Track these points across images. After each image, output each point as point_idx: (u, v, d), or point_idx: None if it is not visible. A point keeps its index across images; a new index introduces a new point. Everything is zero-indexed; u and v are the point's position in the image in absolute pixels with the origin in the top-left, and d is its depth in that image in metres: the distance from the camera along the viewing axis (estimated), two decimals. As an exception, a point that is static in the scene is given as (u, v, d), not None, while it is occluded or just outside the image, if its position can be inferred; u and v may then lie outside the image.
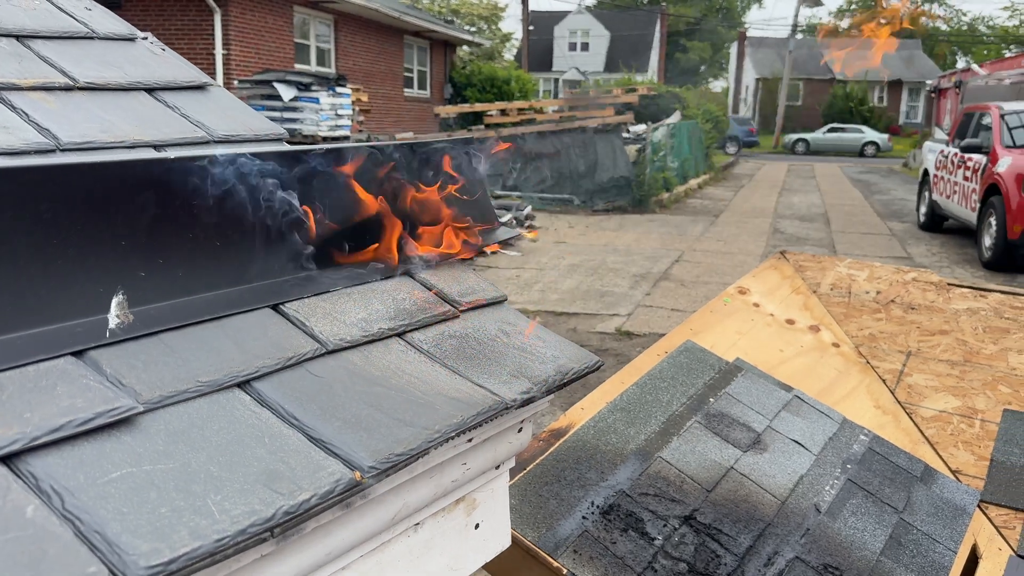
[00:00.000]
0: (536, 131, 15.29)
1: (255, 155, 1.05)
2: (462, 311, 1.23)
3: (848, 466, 2.72)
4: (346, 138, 13.66)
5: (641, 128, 15.82)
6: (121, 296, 0.92)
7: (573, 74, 45.18)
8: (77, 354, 0.85)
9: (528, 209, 12.60)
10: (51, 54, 1.43)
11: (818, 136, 36.76)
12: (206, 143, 1.36)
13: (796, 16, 41.49)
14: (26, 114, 1.23)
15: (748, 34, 48.90)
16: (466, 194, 1.38)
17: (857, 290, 3.60)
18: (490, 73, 27.81)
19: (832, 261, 3.78)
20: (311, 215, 1.12)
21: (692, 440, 2.62)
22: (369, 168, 1.20)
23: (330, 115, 13.21)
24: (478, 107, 18.88)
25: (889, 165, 28.01)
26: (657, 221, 13.16)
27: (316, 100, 13.02)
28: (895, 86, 44.59)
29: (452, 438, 0.96)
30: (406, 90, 23.64)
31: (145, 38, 1.64)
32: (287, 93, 12.76)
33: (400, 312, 1.16)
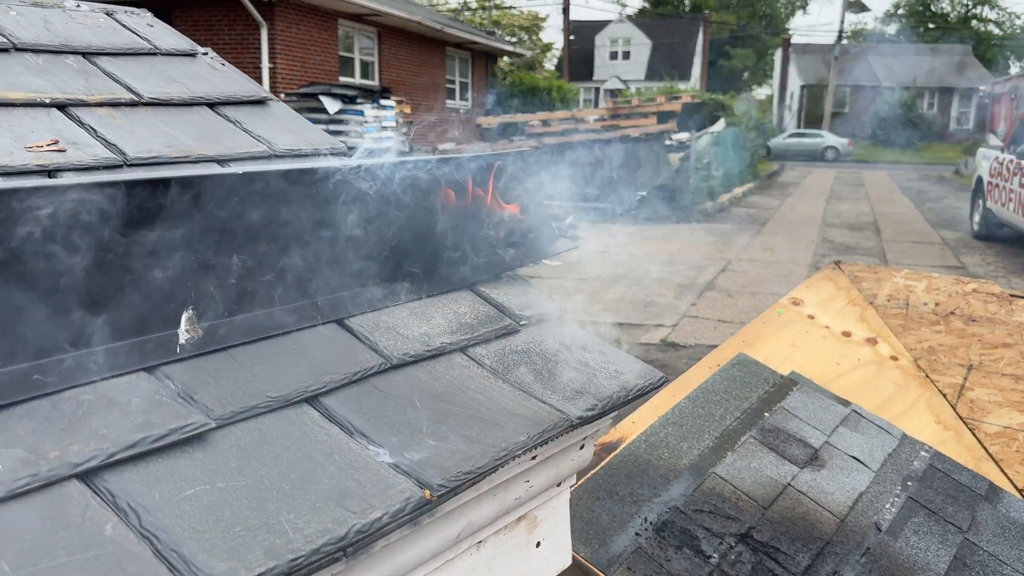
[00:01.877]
0: (578, 140, 15.26)
1: (313, 170, 1.05)
2: (523, 325, 1.22)
3: (909, 483, 2.64)
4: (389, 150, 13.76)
5: (684, 136, 15.69)
6: (191, 311, 0.92)
7: (614, 83, 45.07)
8: (149, 370, 0.86)
9: (570, 219, 12.54)
10: (116, 70, 1.46)
11: (778, 141, 36.90)
12: (268, 157, 1.37)
13: (842, 22, 40.81)
14: (94, 130, 1.25)
15: (793, 40, 48.26)
16: (524, 205, 1.37)
17: (915, 301, 3.51)
18: (531, 83, 27.90)
19: (889, 272, 3.70)
20: (374, 228, 1.12)
21: (747, 456, 2.57)
22: (431, 181, 1.19)
23: (374, 127, 13.35)
24: (519, 117, 18.92)
25: (939, 172, 27.38)
26: (701, 230, 13.03)
27: (361, 112, 13.17)
28: (946, 92, 43.60)
29: (518, 456, 0.94)
30: (448, 101, 23.80)
31: (205, 53, 1.66)
32: (332, 106, 12.93)
33: (462, 326, 1.15)
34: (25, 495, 0.67)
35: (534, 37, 53.67)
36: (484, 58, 26.41)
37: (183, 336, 0.91)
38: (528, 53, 38.13)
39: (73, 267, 0.80)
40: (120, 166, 1.20)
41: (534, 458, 1.05)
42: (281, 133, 1.46)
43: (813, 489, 2.51)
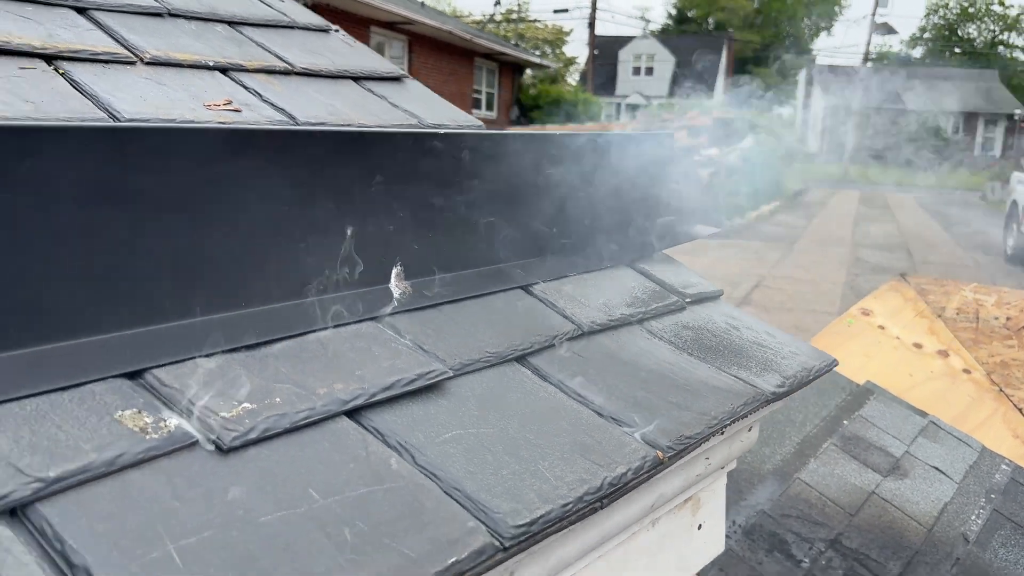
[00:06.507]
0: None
1: (534, 138, 1.05)
2: (687, 303, 1.21)
3: (992, 496, 2.60)
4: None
5: (714, 151, 15.66)
6: (399, 267, 0.92)
7: (636, 98, 45.10)
8: (376, 319, 0.85)
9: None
10: (263, 40, 1.46)
11: None
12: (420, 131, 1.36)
13: (868, 44, 40.71)
14: (259, 94, 1.25)
15: (818, 61, 48.20)
16: (678, 187, 1.36)
17: (985, 315, 3.47)
18: (557, 95, 27.99)
19: (956, 285, 3.66)
20: (554, 199, 1.11)
21: (830, 463, 2.54)
22: (603, 156, 1.19)
23: (407, 132, 13.39)
24: (547, 128, 18.96)
25: (966, 197, 27.20)
26: (731, 247, 12.98)
27: (394, 117, 13.21)
28: (971, 118, 43.33)
29: (727, 426, 0.93)
30: (475, 111, 23.89)
31: (336, 30, 1.67)
32: (366, 110, 12.97)
33: (635, 300, 1.14)
34: (306, 428, 0.66)
35: (557, 51, 53.81)
36: (511, 70, 26.50)
37: (395, 291, 0.90)
38: (554, 66, 38.26)
39: (321, 216, 0.80)
40: (290, 129, 1.19)
41: (722, 433, 1.04)
42: (425, 108, 1.46)
43: (898, 498, 2.47)
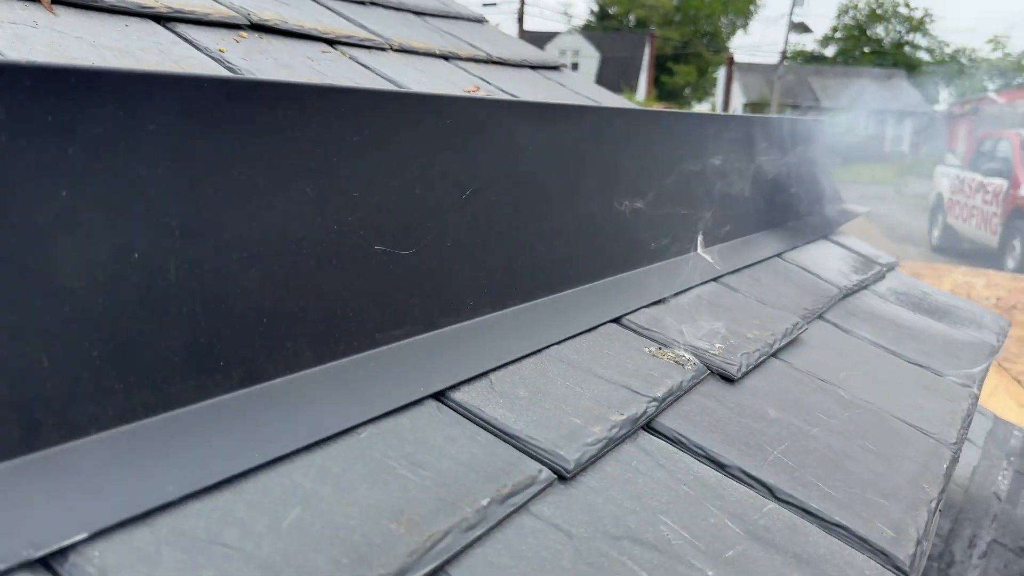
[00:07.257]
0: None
1: (800, 121, 1.16)
2: (886, 272, 1.35)
3: (1012, 459, 2.85)
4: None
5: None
6: (701, 236, 1.02)
7: (563, 94, 45.44)
8: (716, 280, 0.96)
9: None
10: (446, 28, 1.53)
11: None
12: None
13: (786, 43, 42.15)
14: (484, 80, 1.33)
15: (737, 59, 49.57)
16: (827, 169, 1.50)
17: (976, 296, 3.76)
18: (491, 89, 28.07)
19: (948, 268, 3.95)
20: (783, 177, 1.23)
21: (873, 428, 2.74)
22: (803, 141, 1.31)
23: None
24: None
25: (879, 191, 28.51)
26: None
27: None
28: (880, 114, 45.40)
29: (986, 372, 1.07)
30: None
31: (486, 21, 1.75)
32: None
33: (854, 268, 1.27)
34: (762, 364, 0.77)
35: (484, 44, 53.60)
36: (446, 62, 26.44)
37: (706, 256, 1.00)
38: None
39: (686, 190, 0.90)
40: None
41: (953, 381, 1.18)
42: (597, 94, 1.56)
43: (935, 461, 2.70)
